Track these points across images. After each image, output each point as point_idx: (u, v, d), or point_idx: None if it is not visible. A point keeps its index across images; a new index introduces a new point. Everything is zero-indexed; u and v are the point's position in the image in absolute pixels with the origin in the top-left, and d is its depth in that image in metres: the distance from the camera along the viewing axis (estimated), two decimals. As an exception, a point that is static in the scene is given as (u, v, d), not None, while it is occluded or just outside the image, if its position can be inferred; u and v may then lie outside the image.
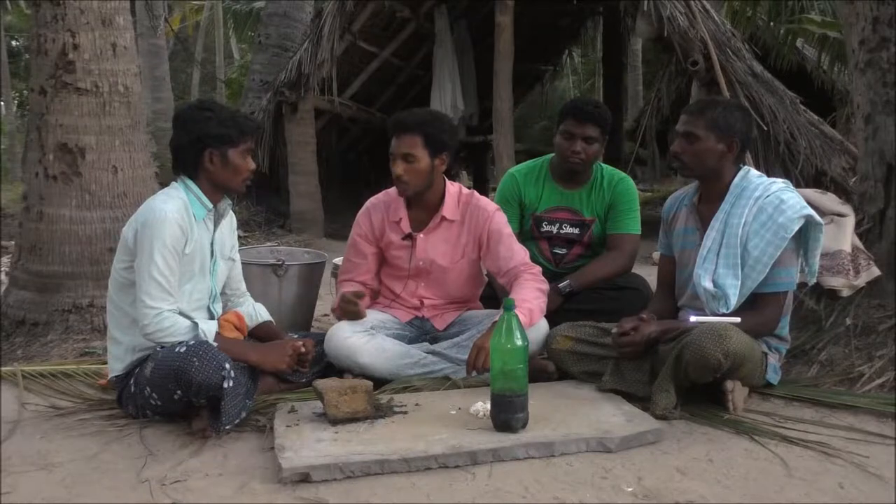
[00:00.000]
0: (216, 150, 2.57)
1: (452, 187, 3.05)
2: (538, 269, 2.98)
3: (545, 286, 2.94)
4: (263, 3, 12.61)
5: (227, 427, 2.40)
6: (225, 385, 2.33)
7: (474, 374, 2.70)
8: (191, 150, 2.58)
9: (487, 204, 3.06)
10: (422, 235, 3.02)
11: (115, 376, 2.60)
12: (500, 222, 3.02)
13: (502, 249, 2.96)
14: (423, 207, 3.02)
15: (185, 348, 2.39)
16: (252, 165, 2.66)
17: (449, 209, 3.01)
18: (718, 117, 2.64)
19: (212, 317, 2.70)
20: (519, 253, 2.98)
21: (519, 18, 7.47)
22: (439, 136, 2.90)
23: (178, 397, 2.39)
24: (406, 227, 3.03)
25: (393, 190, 3.03)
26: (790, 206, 2.55)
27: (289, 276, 3.54)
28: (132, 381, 2.53)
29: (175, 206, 2.52)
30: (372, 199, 3.15)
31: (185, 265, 2.56)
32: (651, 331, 2.62)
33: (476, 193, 3.11)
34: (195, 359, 2.33)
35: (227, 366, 2.35)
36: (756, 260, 2.55)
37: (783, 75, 7.80)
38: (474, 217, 3.01)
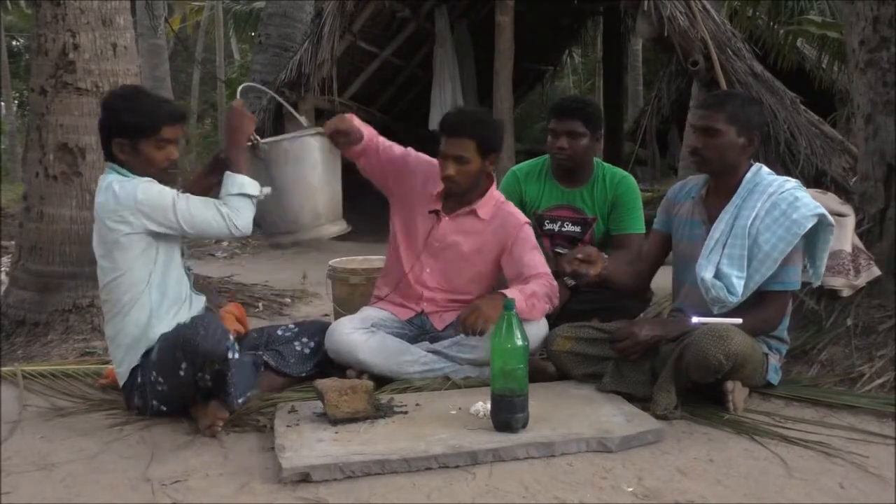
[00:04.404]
0: (125, 140, 2.54)
1: (495, 192, 3.07)
2: (557, 285, 2.98)
3: (556, 300, 2.94)
4: (263, 3, 12.61)
5: (240, 400, 2.43)
6: (230, 356, 2.36)
7: (465, 335, 2.73)
8: (104, 137, 2.57)
9: (519, 214, 3.08)
10: (447, 219, 3.03)
11: (132, 368, 2.56)
12: (531, 234, 3.04)
13: (527, 257, 2.97)
14: (461, 200, 3.04)
15: (189, 320, 2.47)
16: (172, 156, 2.60)
17: (484, 208, 3.02)
18: (739, 111, 2.61)
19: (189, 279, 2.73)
20: (543, 266, 2.97)
21: (519, 18, 7.47)
22: (492, 139, 2.94)
23: (183, 371, 2.39)
24: (438, 202, 3.04)
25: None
26: (804, 203, 2.55)
27: (276, 156, 2.89)
28: (139, 372, 2.53)
29: (118, 177, 2.53)
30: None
31: (169, 243, 2.58)
32: (645, 335, 2.61)
33: (511, 203, 3.13)
34: (201, 328, 2.38)
35: (231, 337, 2.40)
36: (766, 255, 2.53)
37: (783, 75, 7.79)
38: (504, 223, 3.02)
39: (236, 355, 2.40)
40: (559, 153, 3.29)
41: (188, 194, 2.58)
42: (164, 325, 2.53)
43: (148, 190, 2.50)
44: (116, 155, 2.55)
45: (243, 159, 2.67)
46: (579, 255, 2.71)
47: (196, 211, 2.53)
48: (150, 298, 2.53)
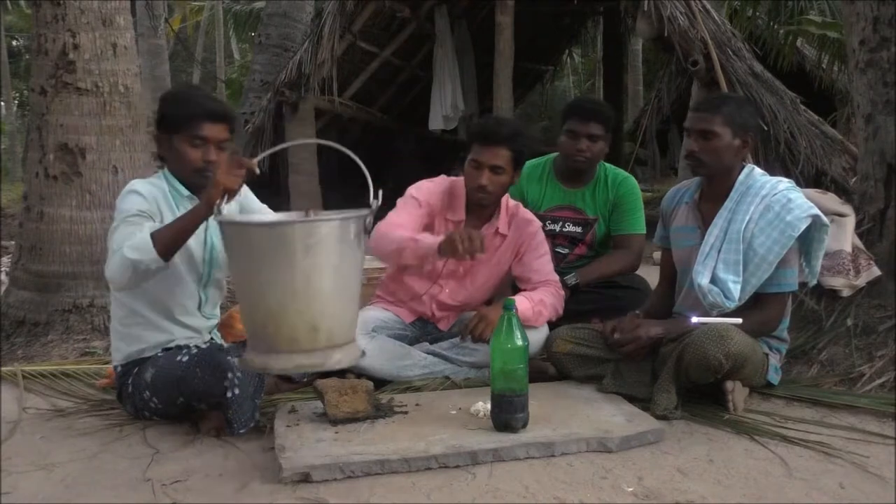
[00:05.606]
0: (163, 134, 2.48)
1: (504, 199, 3.04)
2: (564, 294, 2.98)
3: (561, 310, 2.95)
4: (263, 3, 12.61)
5: (242, 431, 2.35)
6: (229, 395, 2.29)
7: (469, 339, 2.76)
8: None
9: (533, 218, 3.07)
10: None
11: (116, 367, 2.57)
12: (543, 240, 3.04)
13: (536, 263, 2.97)
14: (480, 217, 2.99)
15: (187, 357, 2.37)
16: (209, 157, 2.42)
17: (503, 223, 3.01)
18: (734, 113, 2.61)
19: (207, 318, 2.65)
20: (552, 273, 2.99)
21: (519, 18, 7.47)
22: (525, 151, 2.91)
23: (180, 403, 2.40)
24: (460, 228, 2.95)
25: (460, 182, 2.96)
26: (798, 205, 2.54)
27: (226, 239, 2.12)
28: (130, 382, 2.51)
29: (142, 185, 2.46)
30: (448, 180, 3.02)
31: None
32: (647, 335, 2.62)
33: (521, 206, 3.11)
34: (198, 369, 2.31)
35: (230, 375, 2.30)
36: (762, 258, 2.53)
37: (783, 75, 7.79)
38: (518, 230, 3.02)
39: (236, 392, 2.30)
40: (578, 155, 3.27)
41: (136, 220, 2.33)
42: (154, 336, 2.51)
43: (122, 202, 2.40)
44: (159, 150, 2.51)
45: (189, 214, 2.27)
46: (617, 335, 2.67)
47: (112, 238, 2.33)
48: (133, 301, 2.49)
